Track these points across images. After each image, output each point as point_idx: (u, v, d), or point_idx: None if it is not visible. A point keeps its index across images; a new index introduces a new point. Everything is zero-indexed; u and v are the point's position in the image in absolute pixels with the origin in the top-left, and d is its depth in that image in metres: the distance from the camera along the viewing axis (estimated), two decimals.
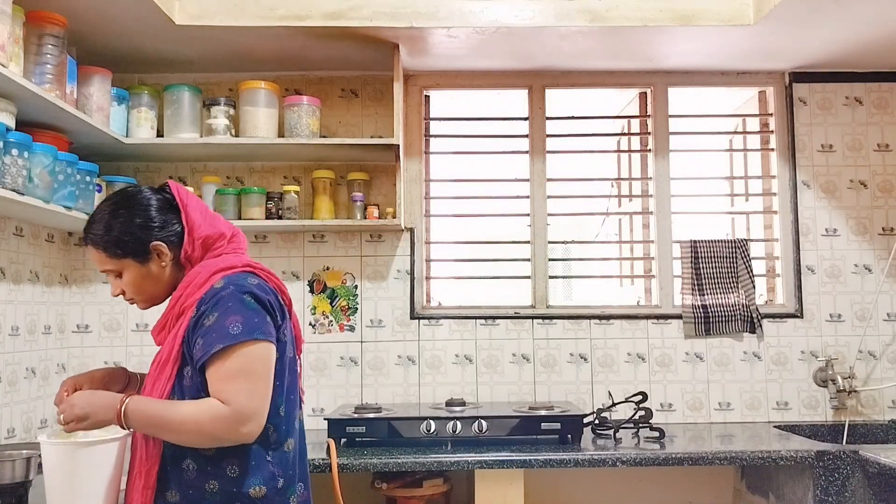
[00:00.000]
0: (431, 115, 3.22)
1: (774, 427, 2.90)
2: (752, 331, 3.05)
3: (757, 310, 3.05)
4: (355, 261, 3.06)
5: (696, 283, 3.07)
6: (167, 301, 1.69)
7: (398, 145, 2.79)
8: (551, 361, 3.04)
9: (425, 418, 2.53)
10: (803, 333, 3.06)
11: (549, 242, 3.14)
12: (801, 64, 3.08)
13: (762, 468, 2.70)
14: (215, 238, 1.70)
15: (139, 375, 1.82)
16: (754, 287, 3.06)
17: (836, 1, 2.42)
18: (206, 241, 1.69)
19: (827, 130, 3.14)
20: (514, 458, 2.35)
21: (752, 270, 3.07)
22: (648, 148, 3.23)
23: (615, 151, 3.57)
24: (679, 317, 3.07)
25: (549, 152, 3.17)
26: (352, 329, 3.03)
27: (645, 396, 2.76)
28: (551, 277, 3.13)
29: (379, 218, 2.92)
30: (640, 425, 2.71)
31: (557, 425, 2.54)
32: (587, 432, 2.72)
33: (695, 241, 3.11)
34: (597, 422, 2.78)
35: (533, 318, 3.06)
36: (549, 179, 3.15)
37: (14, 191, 2.10)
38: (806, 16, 2.55)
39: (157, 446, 1.58)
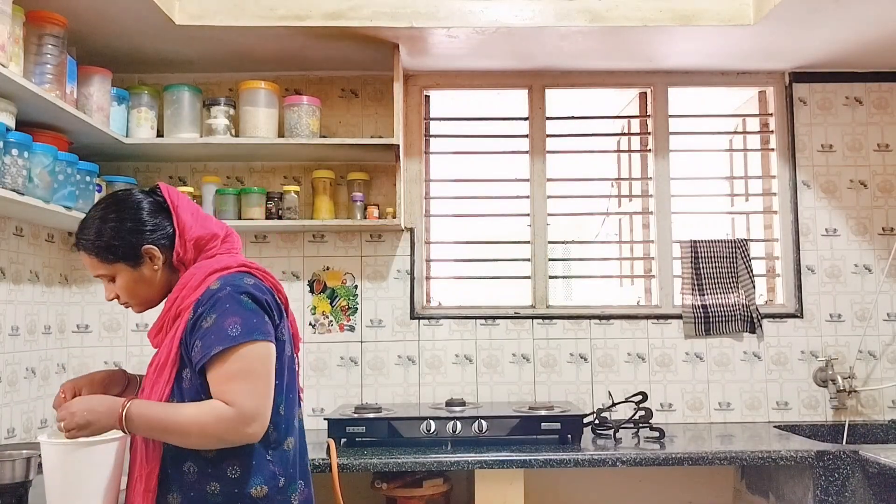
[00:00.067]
0: (431, 115, 3.22)
1: (774, 427, 2.90)
2: (752, 331, 3.05)
3: (757, 310, 3.05)
4: (355, 261, 3.06)
5: (696, 283, 3.07)
6: (163, 304, 1.69)
7: (398, 145, 2.79)
8: (551, 361, 3.04)
9: (425, 418, 2.53)
10: (803, 333, 3.06)
11: (549, 242, 3.14)
12: (801, 64, 3.08)
13: (762, 468, 2.70)
14: (207, 239, 1.70)
15: (138, 377, 1.81)
16: (754, 287, 3.06)
17: (836, 1, 2.42)
18: (198, 242, 1.69)
19: (827, 130, 3.14)
20: (514, 458, 2.35)
21: (752, 270, 3.07)
22: (648, 148, 3.23)
23: (615, 151, 3.57)
24: (679, 317, 3.07)
25: (549, 152, 3.17)
26: (352, 329, 3.03)
27: (645, 396, 2.76)
28: (551, 277, 3.13)
29: (379, 218, 2.91)
30: (640, 425, 2.71)
31: (557, 425, 2.54)
32: (587, 432, 2.72)
33: (695, 241, 3.11)
34: (597, 422, 2.78)
35: (533, 318, 3.06)
36: (549, 179, 3.15)
37: (14, 191, 2.10)
38: (806, 16, 2.55)
39: (157, 449, 1.58)
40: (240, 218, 2.86)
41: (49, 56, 2.25)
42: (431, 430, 2.51)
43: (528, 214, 3.15)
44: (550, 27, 2.65)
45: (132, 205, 1.68)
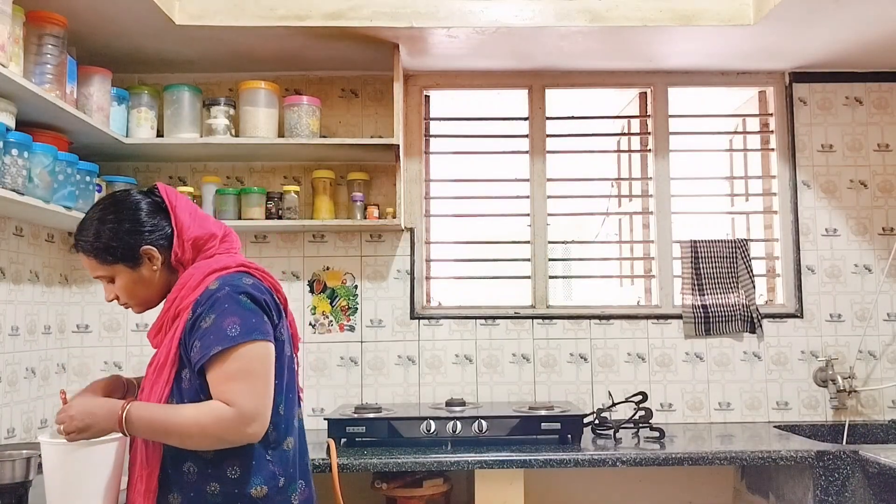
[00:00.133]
0: (431, 115, 3.22)
1: (774, 427, 2.90)
2: (752, 331, 3.05)
3: (757, 310, 3.05)
4: (355, 261, 3.06)
5: (696, 283, 3.07)
6: (163, 304, 1.69)
7: (398, 145, 2.79)
8: (551, 361, 3.04)
9: (425, 418, 2.53)
10: (803, 333, 3.06)
11: (549, 242, 3.14)
12: (801, 64, 3.08)
13: (762, 468, 2.69)
14: (206, 239, 1.70)
15: (136, 381, 1.81)
16: (754, 287, 3.06)
17: (836, 1, 2.42)
18: (197, 242, 1.68)
19: (827, 130, 3.14)
20: (514, 458, 2.35)
21: (752, 270, 3.07)
22: (648, 148, 3.23)
23: (615, 151, 3.57)
24: (679, 317, 3.07)
25: (549, 152, 3.17)
26: (352, 329, 3.03)
27: (645, 396, 2.76)
28: (551, 277, 3.13)
29: (379, 218, 2.91)
30: (640, 425, 2.71)
31: (557, 425, 2.54)
32: (587, 432, 2.72)
33: (695, 241, 3.11)
34: (597, 422, 2.78)
35: (533, 318, 3.06)
36: (549, 179, 3.15)
37: (14, 191, 2.10)
38: (806, 16, 2.55)
39: (157, 449, 1.58)
40: (240, 218, 2.86)
41: (49, 56, 2.25)
42: (431, 430, 2.51)
43: (528, 214, 3.15)
44: (550, 27, 2.65)
45: (130, 206, 1.68)
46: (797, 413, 3.04)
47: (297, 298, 3.00)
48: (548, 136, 3.17)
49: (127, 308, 1.73)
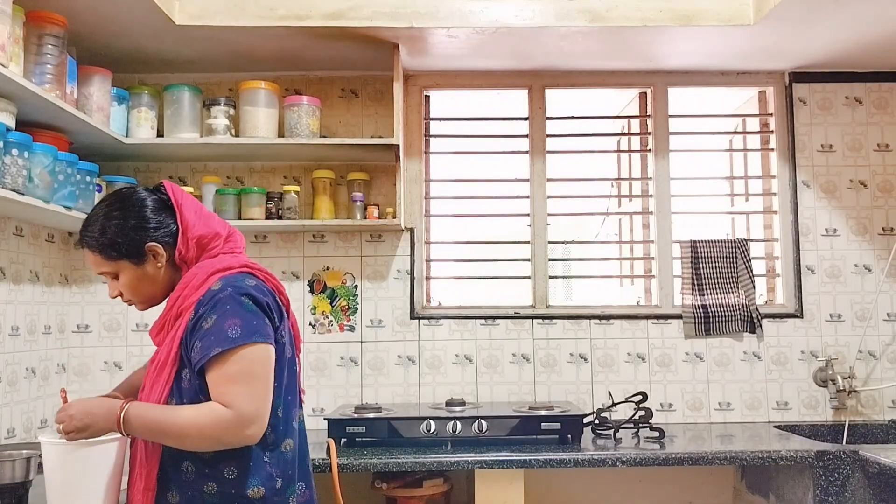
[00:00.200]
0: (431, 115, 3.22)
1: (774, 427, 2.90)
2: (752, 331, 3.05)
3: (757, 310, 3.05)
4: (355, 261, 3.06)
5: (696, 283, 3.07)
6: (166, 301, 1.69)
7: (398, 145, 2.79)
8: (551, 361, 3.04)
9: (425, 418, 2.53)
10: (803, 333, 3.06)
11: (549, 242, 3.14)
12: (801, 64, 3.08)
13: (762, 468, 2.70)
14: (210, 238, 1.70)
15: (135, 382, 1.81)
16: (754, 287, 3.06)
17: (836, 1, 2.42)
18: (201, 240, 1.68)
19: (827, 130, 3.14)
20: (514, 458, 2.35)
21: (752, 270, 3.07)
22: (648, 148, 3.23)
23: (615, 151, 3.57)
24: (679, 317, 3.07)
25: (549, 152, 3.17)
26: (352, 329, 3.03)
27: (645, 396, 2.76)
28: (551, 277, 3.13)
29: (379, 218, 2.91)
30: (640, 425, 2.71)
31: (557, 425, 2.54)
32: (587, 432, 2.72)
33: (695, 241, 3.11)
34: (597, 422, 2.78)
35: (533, 318, 3.06)
36: (549, 179, 3.15)
37: (14, 191, 2.10)
38: (806, 16, 2.55)
39: (156, 448, 1.59)
40: (240, 218, 2.86)
41: (49, 56, 2.25)
42: (431, 430, 2.51)
43: (528, 214, 3.15)
44: (550, 27, 2.65)
45: (136, 202, 1.68)
46: (797, 413, 3.04)
47: (297, 298, 3.00)
48: (548, 136, 3.17)
49: (130, 305, 1.73)
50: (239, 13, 2.60)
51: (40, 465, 1.64)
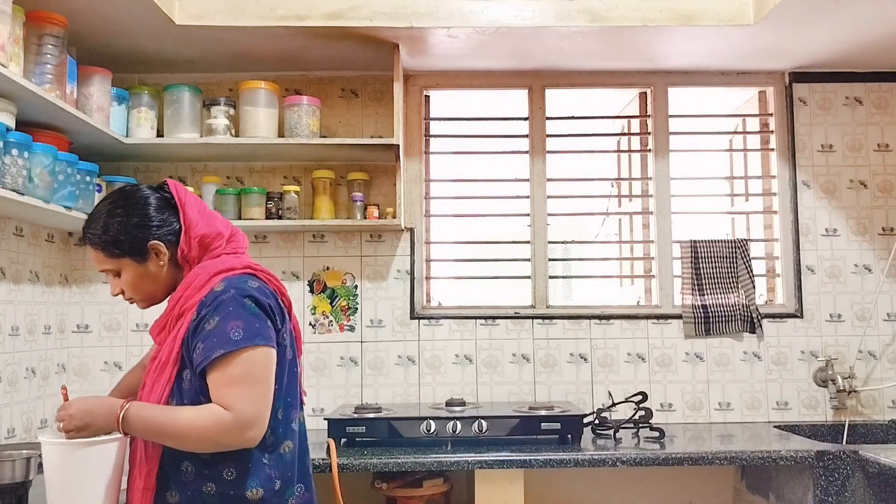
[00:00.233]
0: (431, 115, 3.22)
1: (774, 427, 2.90)
2: (752, 331, 3.05)
3: (757, 310, 3.05)
4: (355, 261, 3.06)
5: (696, 283, 3.07)
6: (167, 300, 1.69)
7: (398, 145, 2.79)
8: (551, 361, 3.04)
9: (425, 418, 2.53)
10: (803, 333, 3.06)
11: (549, 242, 3.14)
12: (801, 64, 3.08)
13: (762, 468, 2.70)
14: (213, 237, 1.69)
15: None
16: (754, 287, 3.06)
17: (836, 1, 2.42)
18: (203, 240, 1.68)
19: (827, 130, 3.14)
20: (514, 458, 2.35)
21: (752, 270, 3.07)
22: (648, 148, 3.23)
23: (615, 151, 3.57)
24: (679, 317, 3.07)
25: (549, 152, 3.17)
26: (352, 329, 3.03)
27: (645, 396, 2.76)
28: (551, 277, 3.13)
29: (379, 218, 2.92)
30: (640, 425, 2.71)
31: (557, 425, 2.54)
32: (587, 432, 2.71)
33: (695, 241, 3.11)
34: (597, 422, 2.78)
35: (533, 318, 3.06)
36: (549, 179, 3.15)
37: (14, 191, 2.10)
38: (806, 16, 2.55)
39: (156, 448, 1.59)
40: (240, 218, 2.86)
41: (49, 56, 2.25)
42: (431, 430, 2.51)
43: (528, 214, 3.15)
44: (550, 27, 2.65)
45: (140, 200, 1.68)
46: (797, 413, 3.04)
47: (298, 298, 3.00)
48: (548, 136, 3.17)
49: (131, 303, 1.72)
50: (239, 13, 2.60)
51: (40, 465, 1.64)
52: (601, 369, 3.04)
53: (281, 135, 2.88)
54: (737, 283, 3.08)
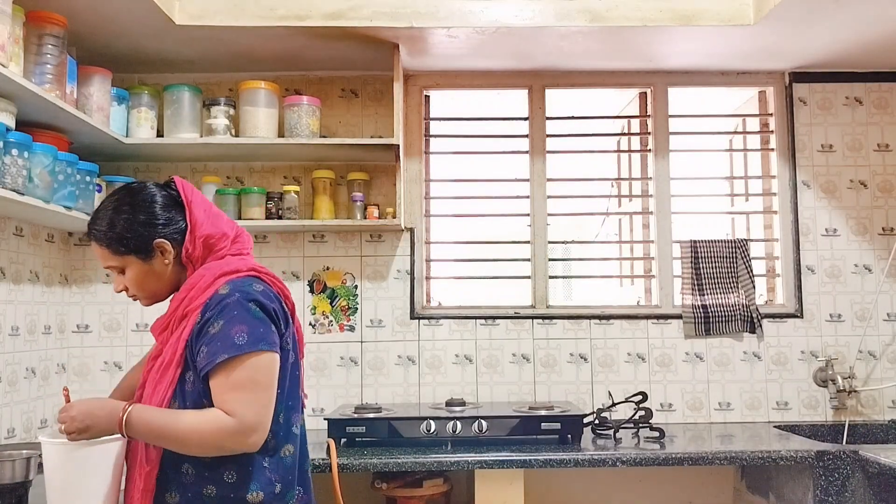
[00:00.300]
0: (431, 115, 3.22)
1: (774, 427, 2.90)
2: (752, 331, 3.05)
3: (757, 310, 3.05)
4: (355, 261, 3.06)
5: (696, 283, 3.07)
6: (169, 299, 1.69)
7: (398, 145, 2.79)
8: (551, 361, 3.04)
9: (425, 418, 2.53)
10: (803, 333, 3.06)
11: (549, 242, 3.14)
12: (801, 64, 3.08)
13: (762, 468, 2.70)
14: (217, 238, 1.69)
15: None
16: (754, 287, 3.06)
17: (836, 1, 2.42)
18: (208, 240, 1.68)
19: (827, 130, 3.14)
20: (514, 458, 2.35)
21: (752, 270, 3.07)
22: (648, 148, 3.23)
23: (615, 151, 3.57)
24: (679, 317, 3.07)
25: (549, 152, 3.17)
26: (352, 329, 3.03)
27: (645, 396, 2.76)
28: (551, 277, 3.13)
29: (379, 218, 2.92)
30: (640, 425, 2.71)
31: (557, 425, 2.54)
32: (587, 432, 2.71)
33: (695, 241, 3.11)
34: (597, 422, 2.78)
35: (533, 318, 3.06)
36: (549, 179, 3.15)
37: (14, 191, 2.10)
38: (806, 16, 2.55)
39: (156, 449, 1.58)
40: (240, 218, 2.86)
41: (49, 56, 2.25)
42: (431, 430, 2.51)
43: (528, 214, 3.15)
44: (550, 27, 2.65)
45: (146, 198, 1.67)
46: (797, 413, 3.04)
47: (298, 299, 2.99)
48: (548, 136, 3.17)
49: (135, 300, 1.72)
50: (239, 13, 2.60)
51: (40, 465, 1.64)
52: (601, 369, 3.04)
53: (281, 135, 2.88)
54: (737, 283, 3.08)
